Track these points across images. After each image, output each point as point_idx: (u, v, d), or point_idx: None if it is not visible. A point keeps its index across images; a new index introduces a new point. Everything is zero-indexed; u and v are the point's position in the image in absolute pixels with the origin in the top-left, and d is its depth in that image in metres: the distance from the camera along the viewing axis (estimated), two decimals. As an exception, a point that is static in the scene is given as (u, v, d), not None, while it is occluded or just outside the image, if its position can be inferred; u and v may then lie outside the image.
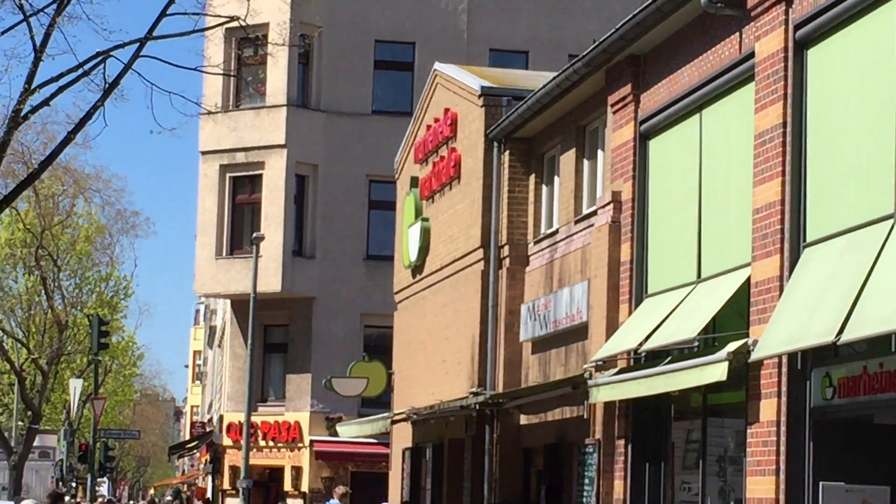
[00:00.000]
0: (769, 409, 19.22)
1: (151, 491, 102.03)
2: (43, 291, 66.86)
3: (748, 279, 20.27)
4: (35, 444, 64.24)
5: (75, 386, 69.39)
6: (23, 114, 27.01)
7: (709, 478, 22.78)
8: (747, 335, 19.86)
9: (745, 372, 19.77)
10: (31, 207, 61.08)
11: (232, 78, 50.79)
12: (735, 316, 20.78)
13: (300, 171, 53.03)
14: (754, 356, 19.02)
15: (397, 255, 42.46)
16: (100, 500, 49.47)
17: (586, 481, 26.82)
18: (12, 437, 67.41)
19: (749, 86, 20.83)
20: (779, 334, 18.08)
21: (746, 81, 21.07)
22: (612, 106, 26.55)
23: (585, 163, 29.69)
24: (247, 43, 50.35)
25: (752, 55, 20.62)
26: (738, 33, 21.36)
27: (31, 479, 60.39)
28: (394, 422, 40.83)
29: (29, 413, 66.77)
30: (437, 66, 38.48)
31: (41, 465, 63.27)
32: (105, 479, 73.25)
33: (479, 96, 33.89)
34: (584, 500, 26.89)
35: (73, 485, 62.01)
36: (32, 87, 26.50)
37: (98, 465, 67.69)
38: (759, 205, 19.88)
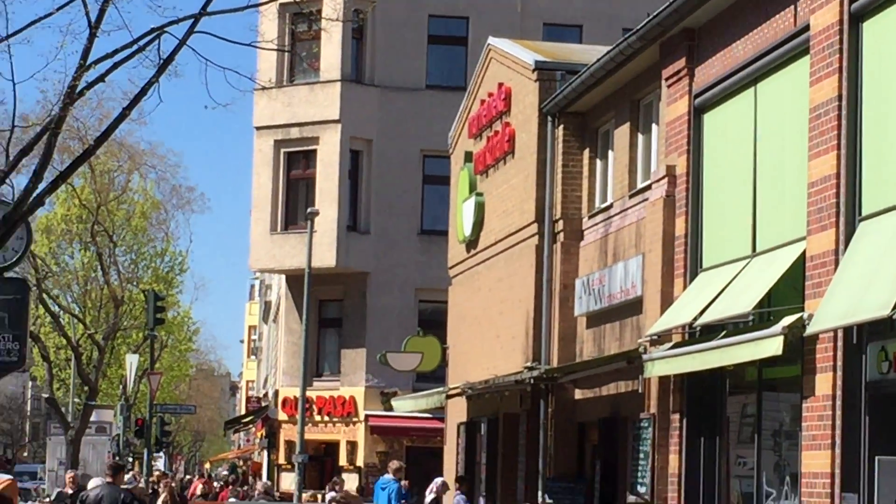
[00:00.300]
0: (825, 383, 19.16)
1: (207, 465, 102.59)
2: (99, 267, 67.12)
3: (803, 253, 20.20)
4: (92, 419, 64.52)
5: (131, 361, 69.79)
6: (78, 90, 27.07)
7: (764, 452, 22.72)
8: (802, 309, 19.81)
9: (800, 346, 19.73)
10: (87, 183, 61.37)
11: (286, 53, 50.84)
12: (790, 290, 20.72)
13: (354, 147, 53.07)
14: (809, 330, 18.99)
15: (451, 230, 42.47)
16: (156, 474, 49.63)
17: (641, 455, 26.84)
18: (69, 412, 67.80)
19: (804, 59, 20.75)
20: (834, 308, 18.03)
21: (801, 55, 20.98)
22: (667, 80, 26.48)
23: (639, 137, 29.62)
24: (301, 18, 50.59)
25: (806, 28, 20.53)
26: (792, 6, 21.25)
27: (88, 454, 60.66)
28: (448, 396, 40.84)
29: (86, 388, 67.07)
30: (491, 40, 38.46)
31: (98, 440, 63.53)
32: (161, 453, 73.61)
33: (533, 71, 33.84)
34: (639, 474, 26.91)
35: (130, 459, 62.40)
36: (88, 63, 26.56)
37: (154, 440, 68.02)
38: (814, 178, 19.82)
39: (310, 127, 53.21)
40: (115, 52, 27.14)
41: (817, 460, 19.40)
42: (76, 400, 69.85)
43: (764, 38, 22.46)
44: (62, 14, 28.61)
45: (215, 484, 55.61)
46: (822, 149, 19.54)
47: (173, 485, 40.01)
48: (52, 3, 27.43)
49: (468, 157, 39.45)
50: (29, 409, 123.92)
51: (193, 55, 27.69)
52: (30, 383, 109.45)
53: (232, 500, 40.72)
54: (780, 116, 22.19)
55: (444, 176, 45.60)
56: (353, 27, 51.67)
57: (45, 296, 62.44)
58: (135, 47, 27.19)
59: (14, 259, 30.65)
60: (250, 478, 63.81)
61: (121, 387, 74.50)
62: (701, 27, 25.06)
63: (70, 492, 32.56)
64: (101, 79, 27.45)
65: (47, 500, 43.33)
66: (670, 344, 24.90)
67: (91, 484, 28.77)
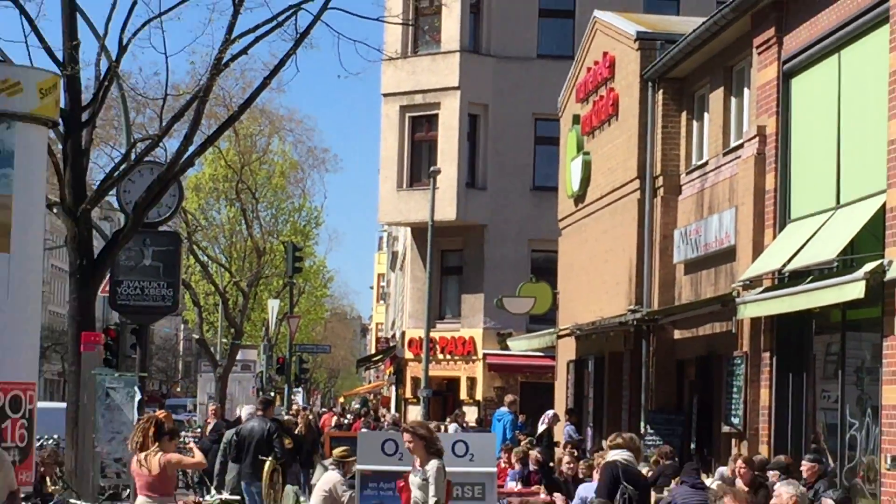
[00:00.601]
0: (904, 322, 19.15)
1: (341, 399, 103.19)
2: (243, 221, 67.55)
3: (883, 205, 20.09)
4: (237, 357, 65.01)
5: (273, 305, 70.37)
6: (223, 62, 27.29)
7: (847, 387, 22.64)
8: (883, 256, 19.72)
9: (880, 290, 19.64)
10: (232, 146, 61.71)
11: (410, 27, 50.99)
12: (871, 239, 20.60)
13: (472, 111, 53.13)
14: (890, 275, 18.89)
15: (561, 186, 42.41)
16: (295, 407, 49.98)
17: (734, 390, 26.79)
18: (217, 351, 68.34)
19: (884, 27, 20.60)
20: (912, 255, 17.96)
21: (881, 24, 20.82)
22: (758, 48, 26.33)
23: (732, 100, 29.50)
24: (423, -4, 51.04)
25: (886, 0, 20.39)
26: (873, -21, 21.12)
27: (235, 389, 61.12)
28: (559, 336, 40.97)
29: (232, 330, 67.63)
30: (597, 13, 38.35)
31: (243, 377, 64.02)
32: (300, 389, 74.01)
33: (635, 40, 33.77)
34: (733, 407, 26.86)
35: (272, 394, 62.80)
36: (232, 37, 26.74)
37: (294, 377, 68.66)
38: (893, 136, 19.69)
39: (432, 94, 53.35)
40: (257, 27, 27.33)
41: (897, 394, 19.36)
42: (223, 340, 70.39)
43: (846, 8, 22.31)
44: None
45: (348, 416, 55.94)
46: (901, 109, 19.48)
47: (310, 417, 40.26)
48: (201, -18, 27.75)
49: (576, 119, 39.39)
50: (181, 349, 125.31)
51: (327, 29, 27.83)
52: (182, 326, 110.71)
53: (363, 430, 41.00)
54: (861, 81, 22.04)
55: (554, 137, 45.49)
56: (470, 2, 51.81)
57: (195, 247, 62.91)
58: (274, 23, 27.36)
59: (168, 214, 30.98)
60: (380, 410, 64.11)
61: (263, 329, 75.05)
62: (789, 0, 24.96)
63: (215, 422, 32.77)
64: (244, 51, 27.66)
65: (198, 430, 43.66)
66: (761, 288, 24.84)
67: (244, 412, 29.16)
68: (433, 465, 16.12)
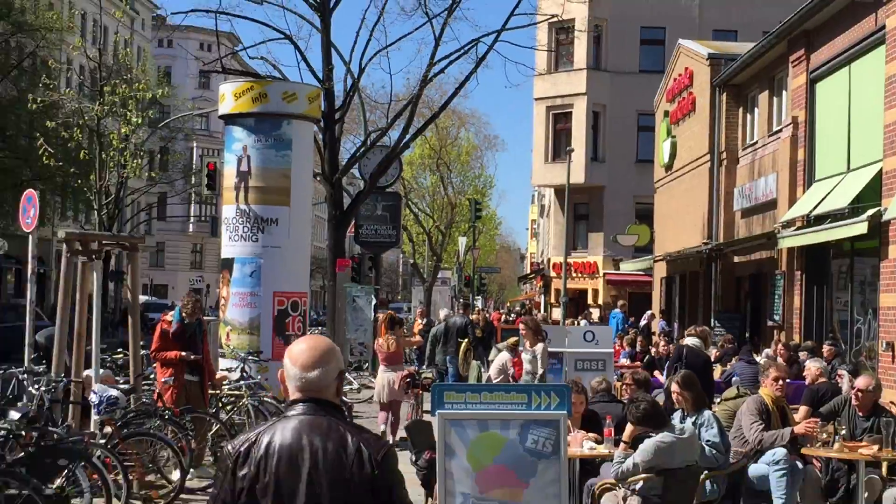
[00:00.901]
0: (895, 250, 18.89)
1: (507, 304, 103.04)
2: (441, 185, 67.95)
3: (881, 170, 19.77)
4: (438, 276, 65.58)
5: (461, 241, 70.72)
6: (428, 78, 27.46)
7: (854, 295, 22.38)
8: (880, 205, 19.38)
9: (878, 228, 19.36)
10: (434, 134, 61.89)
11: (552, 52, 50.85)
12: (872, 193, 20.21)
13: (595, 109, 52.81)
14: (885, 217, 18.59)
15: (656, 159, 42.13)
16: (476, 309, 50.28)
17: (776, 297, 26.51)
18: (424, 271, 68.83)
19: (881, 47, 20.19)
20: (901, 204, 17.62)
21: (880, 44, 20.39)
22: (792, 62, 25.90)
23: (774, 99, 29.03)
24: (562, 31, 50.80)
25: (883, 27, 20.01)
26: (874, 13, 20.69)
27: (436, 297, 61.63)
28: (655, 261, 40.78)
29: (434, 257, 68.16)
30: (681, 41, 37.97)
31: (441, 289, 64.51)
32: (479, 296, 74.33)
33: (707, 59, 33.36)
34: (775, 308, 26.61)
35: (460, 301, 63.07)
36: (434, 62, 26.92)
37: (476, 289, 68.98)
38: (888, 122, 19.39)
39: (567, 98, 53.16)
40: (450, 55, 27.44)
41: (890, 300, 19.08)
42: (428, 264, 70.80)
43: (854, 35, 21.95)
44: (418, 32, 28.94)
45: (512, 315, 55.89)
46: (892, 104, 19.13)
47: (487, 316, 40.51)
48: (412, 24, 27.96)
49: (666, 114, 39.09)
50: (400, 270, 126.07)
51: (497, 55, 27.89)
52: (401, 255, 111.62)
53: (521, 325, 41.27)
54: (865, 84, 21.64)
55: (650, 126, 45.35)
56: (594, 35, 51.45)
57: (409, 202, 63.39)
58: (462, 51, 27.44)
59: (392, 181, 31.30)
60: (533, 311, 64.21)
61: (455, 256, 75.38)
62: (814, 28, 24.47)
63: (426, 319, 33.00)
64: (441, 71, 27.77)
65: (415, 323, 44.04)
66: (794, 227, 24.48)
67: (442, 313, 29.46)
68: (539, 347, 16.24)
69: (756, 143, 30.27)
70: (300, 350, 4.29)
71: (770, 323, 27.18)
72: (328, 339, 4.54)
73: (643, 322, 37.49)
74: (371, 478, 4.03)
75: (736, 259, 31.78)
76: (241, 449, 4.10)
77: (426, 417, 15.10)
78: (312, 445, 4.05)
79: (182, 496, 12.61)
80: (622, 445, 9.93)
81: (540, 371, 16.00)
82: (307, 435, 4.07)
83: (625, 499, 9.76)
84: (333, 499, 4.00)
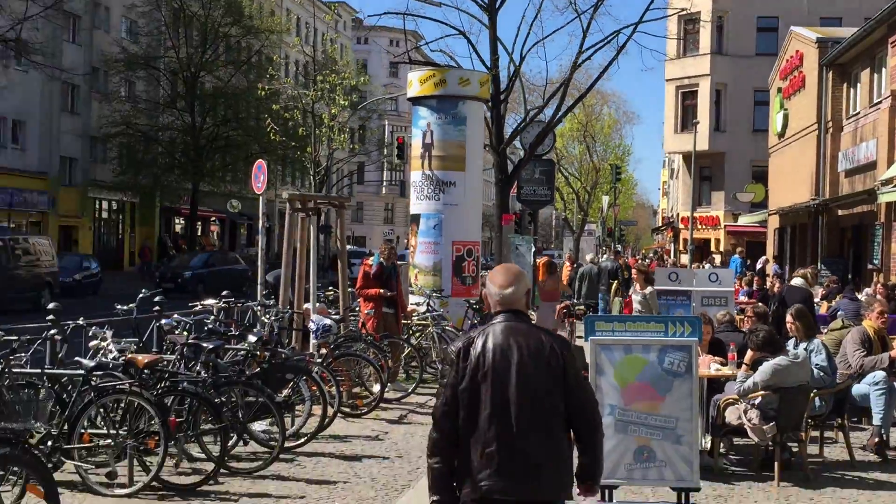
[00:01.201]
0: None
1: (643, 251, 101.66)
2: (587, 153, 67.43)
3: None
4: (584, 228, 65.32)
5: (605, 199, 70.31)
6: (577, 64, 27.23)
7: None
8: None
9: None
10: (581, 111, 61.20)
11: (681, 40, 49.80)
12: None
13: (717, 88, 51.51)
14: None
15: (770, 128, 41.13)
16: (616, 255, 49.83)
17: (875, 245, 25.77)
18: (574, 224, 68.54)
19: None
20: None
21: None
22: (891, 44, 24.91)
23: (874, 75, 27.90)
24: (689, 21, 49.70)
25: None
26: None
27: (584, 245, 61.22)
28: (769, 214, 39.87)
29: (581, 212, 67.90)
30: (792, 27, 36.88)
31: (588, 238, 64.05)
32: (619, 245, 73.61)
33: (815, 42, 32.29)
34: (874, 254, 25.84)
35: (613, 248, 62.41)
36: (581, 50, 26.64)
37: (616, 238, 68.30)
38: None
39: (693, 78, 52.03)
40: (595, 44, 27.21)
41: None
42: (577, 217, 70.37)
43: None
44: (568, 26, 28.70)
45: (647, 260, 55.09)
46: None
47: (624, 260, 39.98)
48: (563, 19, 27.67)
49: (779, 90, 38.05)
50: (553, 223, 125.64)
51: (633, 43, 27.43)
52: (554, 211, 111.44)
53: (634, 270, 40.75)
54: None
55: (765, 101, 44.33)
56: (716, 25, 50.22)
57: (561, 168, 63.00)
58: (605, 42, 27.04)
59: (547, 150, 31.09)
60: (664, 257, 63.28)
61: (599, 212, 74.74)
62: (911, 13, 23.46)
63: (575, 264, 32.72)
64: (588, 58, 27.74)
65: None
66: (892, 185, 23.59)
67: (588, 257, 29.27)
68: (649, 289, 15.98)
69: (858, 113, 29.25)
70: (498, 274, 4.70)
71: (870, 266, 26.41)
72: (518, 266, 4.88)
73: (759, 266, 36.63)
74: (562, 363, 4.49)
75: (840, 212, 30.82)
76: (462, 347, 4.54)
77: (578, 342, 15.10)
78: (518, 342, 4.48)
79: (381, 405, 12.96)
80: (744, 367, 9.95)
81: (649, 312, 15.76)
82: (512, 336, 4.50)
83: (745, 412, 9.70)
84: (537, 379, 4.45)
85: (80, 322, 11.36)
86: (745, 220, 44.04)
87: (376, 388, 13.00)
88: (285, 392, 10.90)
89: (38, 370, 9.14)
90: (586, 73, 52.37)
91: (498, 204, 26.77)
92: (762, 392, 9.60)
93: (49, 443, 8.37)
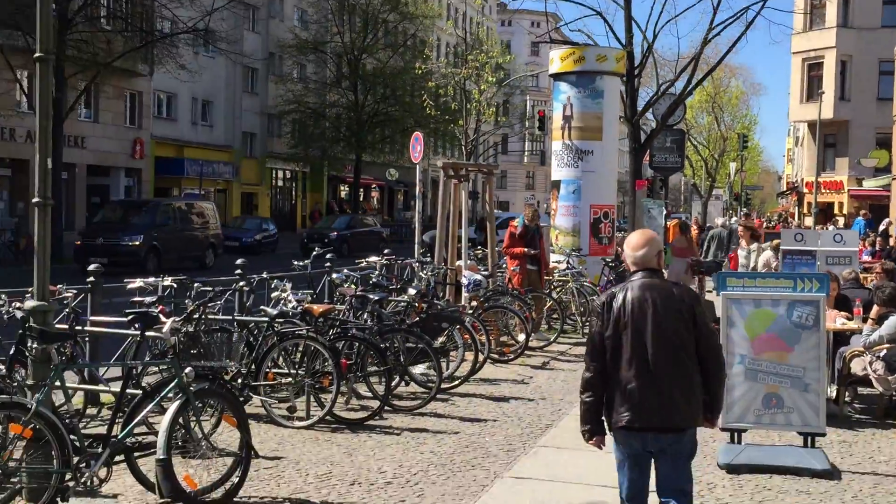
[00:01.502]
0: None
1: (767, 214, 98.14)
2: (715, 123, 65.73)
3: None
4: (712, 192, 63.72)
5: (732, 166, 68.23)
6: (707, 40, 26.43)
7: None
8: None
9: None
10: (710, 83, 59.01)
11: (807, 14, 47.72)
12: None
13: (842, 59, 49.02)
14: None
15: (895, 97, 38.94)
16: (745, 217, 48.28)
17: None
18: (702, 189, 66.73)
19: None
20: None
21: None
22: None
23: None
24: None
25: None
26: None
27: (711, 209, 59.61)
28: (893, 179, 37.97)
29: (709, 178, 66.19)
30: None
31: (715, 203, 62.88)
32: (745, 208, 71.33)
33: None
34: None
35: (730, 212, 60.62)
36: (712, 26, 25.87)
37: (742, 202, 65.84)
38: None
39: (819, 51, 49.70)
40: (725, 20, 26.25)
41: None
42: (705, 184, 68.52)
43: None
44: (699, 4, 27.56)
45: (772, 222, 53.31)
46: None
47: (738, 220, 38.64)
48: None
49: (904, 59, 36.02)
50: (682, 189, 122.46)
51: (761, 18, 26.42)
52: (683, 177, 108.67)
53: (741, 227, 39.42)
54: None
55: (890, 71, 41.91)
56: (841, 1, 47.93)
57: (690, 137, 61.31)
58: (734, 18, 26.16)
59: (678, 120, 30.24)
60: (789, 220, 60.86)
61: (727, 177, 72.47)
62: None
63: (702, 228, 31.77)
64: (717, 34, 26.79)
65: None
66: None
67: (718, 221, 28.55)
68: (755, 245, 15.56)
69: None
70: (634, 238, 5.05)
71: None
72: (650, 230, 5.20)
73: (882, 227, 34.95)
74: (692, 311, 4.77)
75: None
76: (605, 301, 4.88)
77: (706, 297, 14.80)
78: (652, 296, 4.79)
79: (526, 352, 13.06)
80: (870, 322, 9.59)
81: (754, 264, 15.43)
82: (647, 290, 4.81)
83: (870, 363, 9.34)
84: (669, 326, 4.73)
85: (264, 276, 11.83)
86: (869, 184, 42.11)
87: (521, 337, 13.10)
88: (441, 339, 11.10)
89: (230, 317, 9.59)
90: (715, 47, 50.45)
91: (631, 171, 26.36)
92: (888, 345, 9.25)
93: (239, 380, 8.74)
